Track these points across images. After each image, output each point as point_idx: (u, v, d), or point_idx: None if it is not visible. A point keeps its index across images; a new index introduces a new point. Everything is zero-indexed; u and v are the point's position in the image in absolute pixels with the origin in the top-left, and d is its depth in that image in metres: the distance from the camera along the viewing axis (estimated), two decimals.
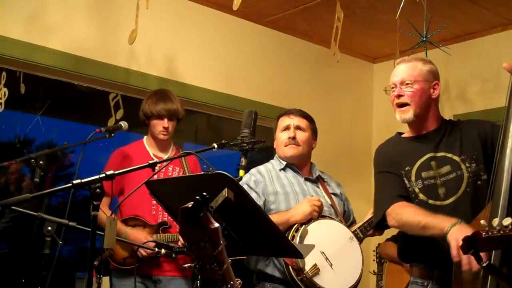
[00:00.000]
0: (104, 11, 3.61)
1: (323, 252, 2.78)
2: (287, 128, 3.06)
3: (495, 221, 1.88)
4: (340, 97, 4.90)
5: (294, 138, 3.02)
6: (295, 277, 2.73)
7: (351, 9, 3.91)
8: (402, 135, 2.66)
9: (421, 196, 2.45)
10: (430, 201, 2.43)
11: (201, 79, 4.02)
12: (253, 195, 2.91)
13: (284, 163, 3.06)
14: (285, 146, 3.03)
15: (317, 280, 2.72)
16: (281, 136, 3.06)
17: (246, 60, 4.31)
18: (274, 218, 2.75)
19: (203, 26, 4.07)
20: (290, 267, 2.75)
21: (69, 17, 3.46)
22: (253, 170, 3.03)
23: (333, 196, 3.08)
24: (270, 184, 2.97)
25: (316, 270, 2.74)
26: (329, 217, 2.93)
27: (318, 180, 3.11)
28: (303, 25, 4.42)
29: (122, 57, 3.65)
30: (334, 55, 3.32)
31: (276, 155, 3.14)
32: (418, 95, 2.49)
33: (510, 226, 1.83)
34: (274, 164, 3.09)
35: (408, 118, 2.50)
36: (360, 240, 2.96)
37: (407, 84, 2.50)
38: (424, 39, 3.69)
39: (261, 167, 3.06)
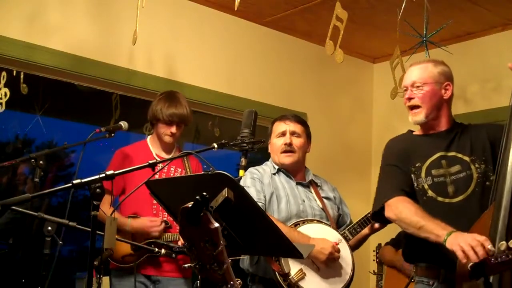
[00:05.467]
0: (104, 11, 3.61)
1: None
2: (282, 134, 3.04)
3: (503, 245, 1.90)
4: (340, 97, 4.90)
5: (290, 144, 3.01)
6: (282, 282, 2.75)
7: (351, 9, 3.90)
8: (414, 133, 2.69)
9: (430, 192, 2.46)
10: (439, 198, 2.44)
11: (201, 79, 4.02)
12: (257, 184, 2.93)
13: (277, 167, 3.07)
14: (281, 153, 3.01)
15: (303, 284, 2.75)
16: (277, 142, 3.04)
17: (246, 60, 4.31)
18: (295, 234, 2.78)
19: (203, 26, 4.07)
20: (276, 272, 2.76)
21: (69, 17, 3.46)
22: (251, 169, 3.03)
23: (325, 200, 3.08)
24: (267, 184, 2.98)
25: (302, 274, 2.76)
26: (317, 220, 2.94)
27: (310, 184, 3.11)
28: (303, 25, 4.42)
29: (122, 57, 3.65)
30: (333, 55, 3.31)
31: (271, 159, 3.14)
32: (428, 97, 2.52)
33: None
34: (269, 166, 3.09)
35: (420, 120, 2.55)
36: (349, 241, 2.96)
37: (418, 86, 2.54)
38: (424, 39, 3.69)
39: (258, 167, 3.06)
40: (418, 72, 2.56)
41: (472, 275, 1.96)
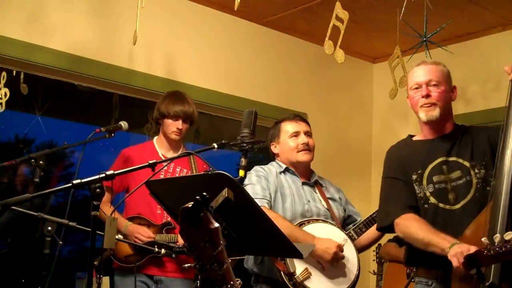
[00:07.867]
0: (104, 11, 3.61)
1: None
2: (296, 134, 3.06)
3: (497, 237, 1.92)
4: (340, 97, 4.90)
5: (307, 144, 3.05)
6: (287, 282, 2.76)
7: (351, 9, 3.90)
8: (414, 138, 2.66)
9: (432, 199, 2.46)
10: (441, 205, 2.44)
11: (201, 79, 4.02)
12: (263, 181, 2.94)
13: (284, 166, 3.06)
14: (299, 151, 3.03)
15: (308, 283, 2.75)
16: (291, 142, 3.06)
17: (246, 60, 4.31)
18: (301, 233, 2.78)
19: (203, 26, 4.07)
20: (281, 272, 2.76)
21: (69, 17, 3.47)
22: (256, 167, 3.04)
23: (330, 200, 3.09)
24: (272, 182, 2.98)
25: (307, 273, 2.76)
26: (322, 220, 2.94)
27: (315, 185, 3.12)
28: (303, 25, 4.42)
29: (122, 57, 3.65)
30: (334, 55, 3.31)
31: (277, 160, 3.13)
32: (444, 96, 2.49)
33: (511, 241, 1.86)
34: (275, 166, 3.09)
35: (435, 116, 2.47)
36: (354, 241, 2.97)
37: (434, 84, 2.48)
38: (425, 39, 3.69)
39: (263, 166, 3.06)
40: (433, 70, 2.51)
41: (465, 265, 1.99)
